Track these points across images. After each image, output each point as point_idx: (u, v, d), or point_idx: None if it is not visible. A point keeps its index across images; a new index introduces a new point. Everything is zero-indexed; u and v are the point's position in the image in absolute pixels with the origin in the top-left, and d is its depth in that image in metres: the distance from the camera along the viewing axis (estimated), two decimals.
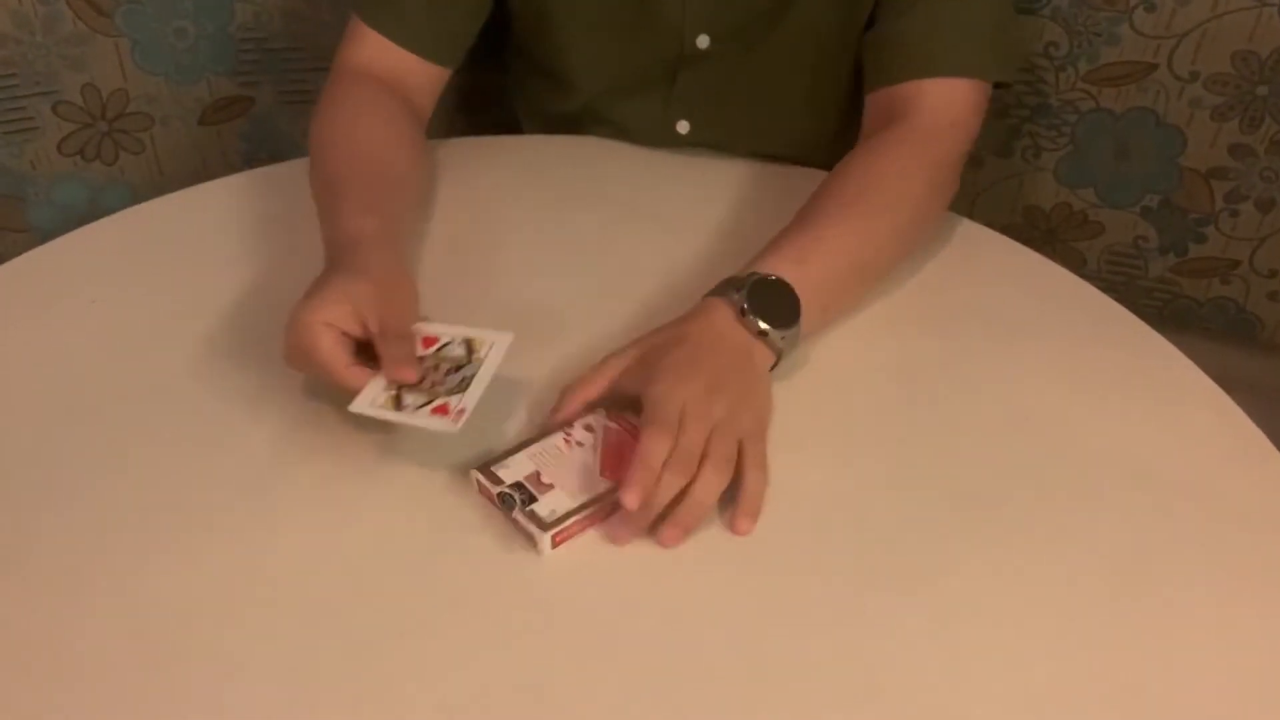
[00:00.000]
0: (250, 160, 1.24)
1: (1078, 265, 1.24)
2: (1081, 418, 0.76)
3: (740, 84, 0.96)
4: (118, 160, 1.20)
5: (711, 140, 0.99)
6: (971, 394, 0.77)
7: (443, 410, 0.67)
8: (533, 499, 0.66)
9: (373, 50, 0.93)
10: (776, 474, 0.69)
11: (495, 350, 0.71)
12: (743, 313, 0.73)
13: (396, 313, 0.71)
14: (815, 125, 1.00)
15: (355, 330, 0.69)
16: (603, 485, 0.67)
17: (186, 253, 0.91)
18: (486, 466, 0.68)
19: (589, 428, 0.71)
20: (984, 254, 0.91)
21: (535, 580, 0.64)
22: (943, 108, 0.87)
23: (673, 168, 1.00)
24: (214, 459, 0.71)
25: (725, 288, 0.75)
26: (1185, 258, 1.21)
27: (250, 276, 0.86)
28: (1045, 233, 1.23)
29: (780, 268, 0.75)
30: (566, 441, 0.70)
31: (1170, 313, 1.25)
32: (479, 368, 0.69)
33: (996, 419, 0.76)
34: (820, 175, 0.97)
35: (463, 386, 0.68)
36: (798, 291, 0.74)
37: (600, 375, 0.72)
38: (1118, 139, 1.15)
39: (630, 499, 0.64)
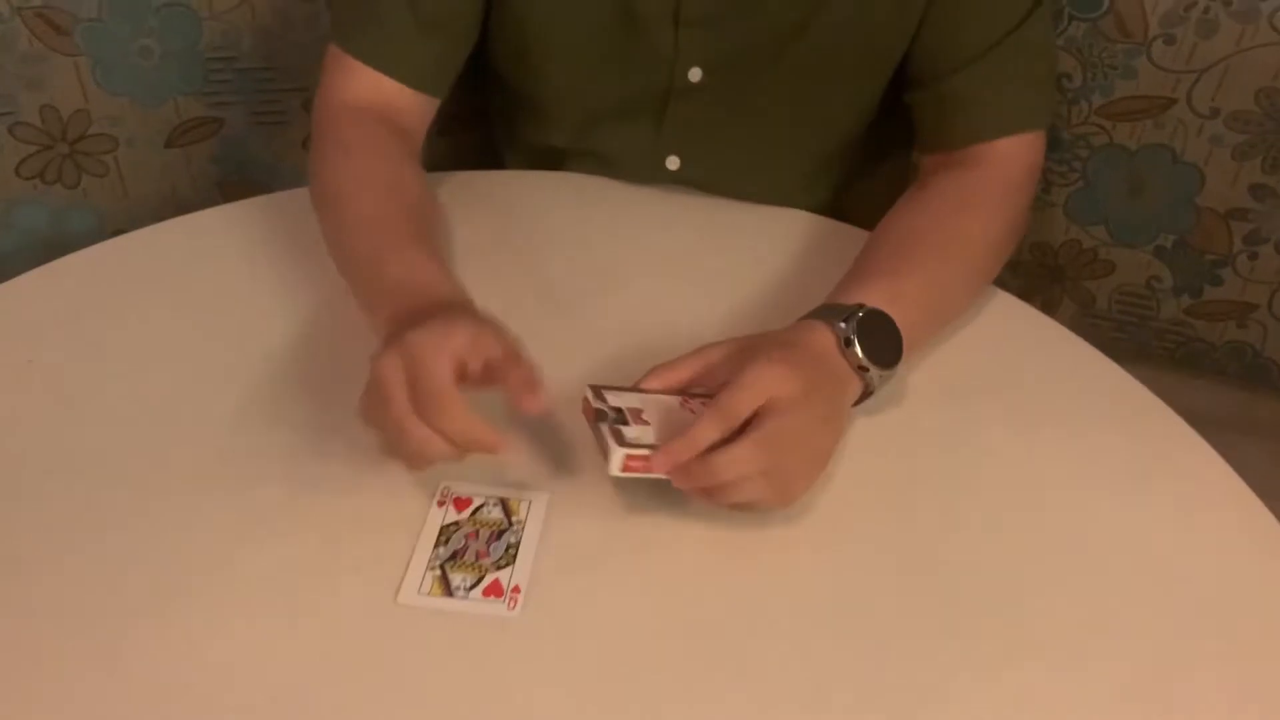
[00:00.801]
0: (221, 184, 1.19)
1: (1087, 304, 1.18)
2: (1097, 510, 0.70)
3: (735, 121, 0.90)
4: (80, 183, 1.14)
5: (702, 178, 0.93)
6: (979, 476, 0.72)
7: (495, 591, 0.62)
8: (624, 423, 0.64)
9: (361, 83, 0.87)
10: (761, 555, 0.65)
11: (534, 510, 0.67)
12: (847, 343, 0.70)
13: (507, 344, 0.66)
14: (813, 169, 0.94)
15: (476, 362, 0.63)
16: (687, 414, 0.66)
17: (136, 302, 0.85)
18: (599, 387, 0.66)
19: (707, 402, 0.66)
20: (994, 315, 0.85)
21: (501, 670, 0.59)
22: (1018, 159, 0.85)
23: (660, 208, 0.94)
24: (159, 543, 0.65)
25: (828, 314, 0.71)
26: (1200, 300, 1.15)
27: (212, 328, 0.81)
28: (1053, 270, 1.17)
29: (878, 304, 0.72)
30: (683, 404, 0.67)
31: (1183, 355, 1.19)
32: (522, 533, 0.65)
33: (1004, 506, 0.70)
34: (812, 219, 0.93)
35: (510, 557, 0.64)
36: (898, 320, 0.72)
37: (695, 357, 0.68)
38: (1132, 176, 1.09)
39: (661, 463, 0.62)
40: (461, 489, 0.67)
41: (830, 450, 0.68)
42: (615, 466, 0.62)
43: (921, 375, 0.78)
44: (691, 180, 0.93)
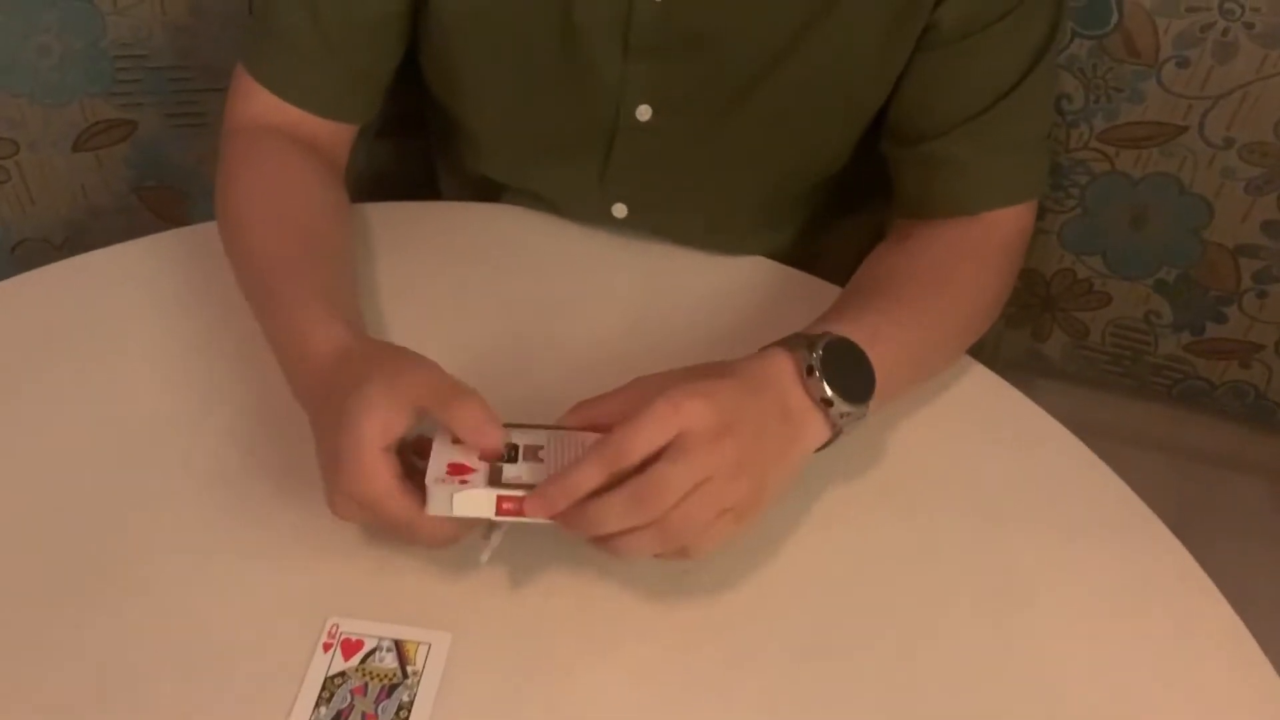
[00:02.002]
0: (137, 188, 1.08)
1: (1079, 335, 1.09)
2: (1083, 655, 0.61)
3: (687, 167, 0.79)
4: None
5: (653, 227, 0.83)
6: (945, 607, 0.63)
7: None
8: (512, 460, 0.57)
9: (266, 105, 0.77)
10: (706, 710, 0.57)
11: (433, 658, 0.57)
12: (809, 371, 0.60)
13: (429, 376, 0.59)
14: (775, 218, 0.84)
15: (408, 420, 0.57)
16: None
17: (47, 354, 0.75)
18: (511, 425, 0.59)
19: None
20: (971, 398, 0.75)
21: None
22: (1013, 223, 0.76)
23: (608, 251, 0.84)
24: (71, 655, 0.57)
25: (791, 341, 0.62)
26: (1201, 337, 1.06)
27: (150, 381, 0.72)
28: (1043, 300, 1.08)
29: (853, 338, 0.63)
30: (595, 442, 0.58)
31: (1180, 392, 1.11)
32: (416, 689, 0.56)
33: (974, 647, 0.61)
34: (772, 267, 0.84)
35: (400, 719, 0.55)
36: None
37: (627, 389, 0.59)
38: (1134, 205, 0.99)
39: (534, 507, 0.55)
40: (352, 627, 0.59)
41: (753, 499, 0.57)
42: (439, 507, 0.55)
43: (882, 475, 0.69)
44: (640, 229, 0.83)
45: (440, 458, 0.57)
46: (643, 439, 0.54)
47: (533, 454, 0.57)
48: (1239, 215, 0.97)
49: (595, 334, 0.77)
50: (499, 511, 0.55)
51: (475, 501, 0.55)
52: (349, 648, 0.58)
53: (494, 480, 0.56)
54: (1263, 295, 1.01)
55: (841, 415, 0.61)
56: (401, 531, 0.57)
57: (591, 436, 0.58)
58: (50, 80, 0.99)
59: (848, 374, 0.61)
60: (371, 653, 0.58)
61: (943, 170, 0.74)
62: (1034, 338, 1.12)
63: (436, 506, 0.55)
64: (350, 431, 0.55)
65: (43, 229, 1.08)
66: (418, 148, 1.02)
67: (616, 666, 0.59)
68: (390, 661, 0.58)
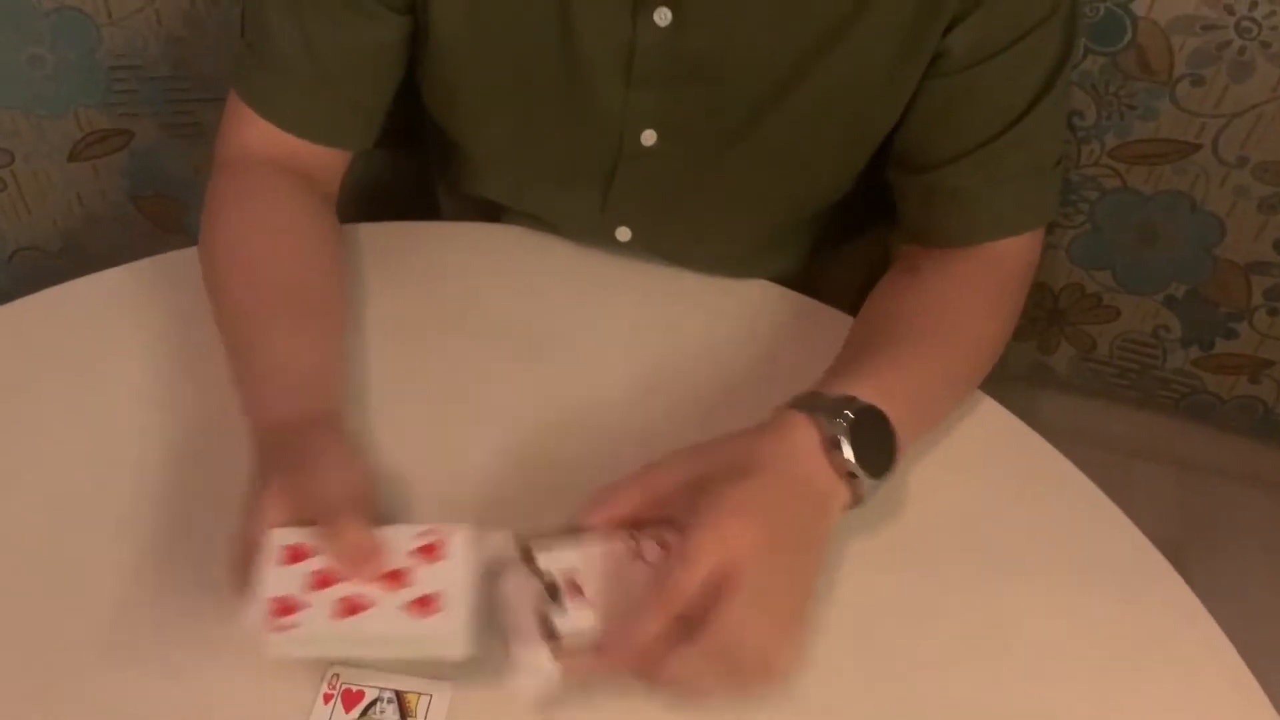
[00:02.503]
0: (134, 198, 1.07)
1: (1087, 349, 1.09)
2: (1091, 709, 0.60)
3: (693, 192, 0.78)
4: None
5: (658, 251, 0.82)
6: (947, 669, 0.61)
7: None
8: (556, 598, 0.55)
9: (260, 132, 0.75)
10: None
11: (435, 710, 0.56)
12: (833, 443, 0.59)
13: (328, 487, 0.57)
14: (780, 241, 0.83)
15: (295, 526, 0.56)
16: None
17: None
18: (528, 543, 0.56)
19: (664, 544, 0.57)
20: (980, 437, 0.73)
21: None
22: (1021, 254, 0.74)
23: (612, 273, 0.83)
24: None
25: (812, 407, 0.60)
26: (1210, 352, 1.05)
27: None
28: (1051, 313, 1.07)
29: (870, 398, 0.61)
30: (631, 551, 0.57)
31: (1187, 405, 1.10)
32: None
33: (983, 702, 0.60)
34: (777, 291, 0.83)
35: None
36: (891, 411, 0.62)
37: (640, 484, 0.58)
38: (1144, 222, 0.98)
39: (603, 666, 0.54)
40: (352, 677, 0.58)
41: (807, 594, 0.58)
42: (543, 667, 0.53)
43: (882, 524, 0.68)
44: (644, 252, 0.82)
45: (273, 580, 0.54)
46: (697, 578, 0.53)
47: (574, 588, 0.55)
48: (1252, 233, 0.96)
49: (597, 359, 0.76)
50: (561, 668, 0.54)
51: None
52: (349, 699, 0.57)
53: (547, 633, 0.54)
54: (1274, 312, 1.00)
55: (866, 488, 0.61)
56: None
57: (621, 545, 0.57)
58: (45, 91, 0.98)
59: (871, 446, 0.60)
60: (373, 704, 0.57)
61: (950, 200, 0.73)
62: (1041, 350, 1.11)
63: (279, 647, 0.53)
64: (246, 519, 0.57)
65: (39, 238, 1.07)
66: (415, 160, 1.01)
67: (619, 717, 0.58)
68: (391, 714, 0.57)
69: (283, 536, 0.55)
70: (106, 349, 0.75)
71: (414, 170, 1.01)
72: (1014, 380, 0.80)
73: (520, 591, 0.55)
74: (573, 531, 0.57)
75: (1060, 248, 1.02)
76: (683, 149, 0.75)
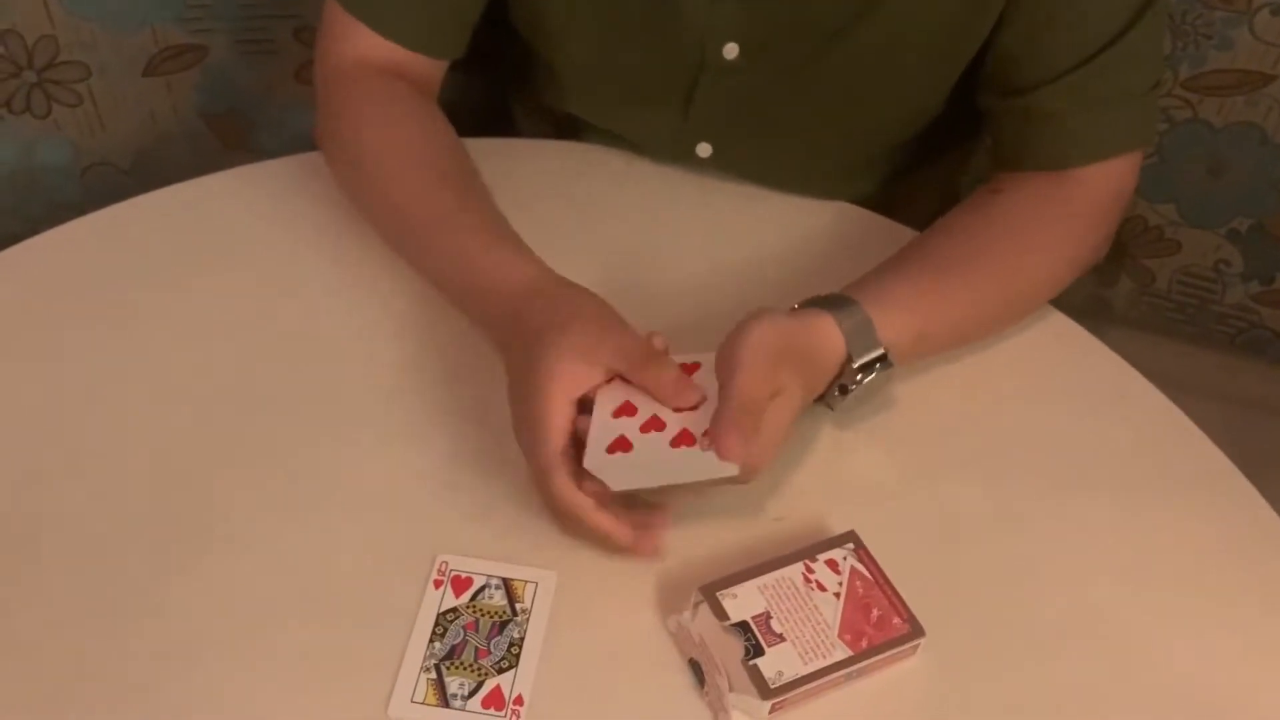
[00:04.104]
0: (205, 114, 1.08)
1: (1145, 282, 1.09)
2: (1170, 623, 0.62)
3: (773, 108, 0.79)
4: (51, 113, 1.03)
5: (737, 167, 0.83)
6: (1018, 576, 0.63)
7: (495, 701, 0.55)
8: (759, 650, 0.55)
9: (365, 42, 0.77)
10: None
11: (540, 596, 0.59)
12: (849, 358, 0.64)
13: (627, 338, 0.61)
14: (861, 162, 0.84)
15: (599, 381, 0.60)
16: (838, 651, 0.55)
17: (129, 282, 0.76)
18: (713, 590, 0.57)
19: (833, 564, 0.59)
20: (1055, 355, 0.75)
21: None
22: (1111, 182, 0.74)
23: (693, 192, 0.84)
24: (119, 635, 0.58)
25: (851, 336, 0.65)
26: (1270, 287, 1.06)
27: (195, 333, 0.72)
28: (1113, 245, 1.07)
29: (891, 318, 0.66)
30: (806, 579, 0.58)
31: (1244, 341, 1.11)
32: (526, 626, 0.58)
33: (1046, 617, 0.61)
34: (857, 213, 0.84)
35: (513, 658, 0.57)
36: (898, 338, 0.65)
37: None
38: (1212, 154, 0.98)
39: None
40: (461, 564, 0.61)
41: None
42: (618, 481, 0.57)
43: (958, 437, 0.69)
44: (724, 169, 0.83)
45: (604, 431, 0.58)
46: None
47: (765, 625, 0.56)
48: None
49: (677, 276, 0.78)
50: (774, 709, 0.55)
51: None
52: (459, 585, 0.60)
53: (757, 683, 0.54)
54: None
55: (837, 401, 0.65)
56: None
57: (793, 569, 0.58)
58: (119, 6, 0.98)
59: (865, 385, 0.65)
60: (481, 590, 0.60)
61: (1041, 124, 0.73)
62: (1099, 284, 1.12)
63: (615, 480, 0.57)
64: (544, 380, 0.59)
65: (111, 153, 1.08)
66: (485, 82, 1.01)
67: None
68: (499, 599, 0.59)
69: (607, 398, 0.60)
70: (182, 261, 0.76)
71: (484, 93, 1.02)
72: (1070, 313, 0.81)
73: (719, 644, 0.56)
74: (747, 570, 0.58)
75: None
76: (765, 63, 0.76)
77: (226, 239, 0.78)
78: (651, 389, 0.59)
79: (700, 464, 0.57)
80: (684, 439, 0.58)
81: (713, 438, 0.56)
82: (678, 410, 0.59)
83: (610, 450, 0.58)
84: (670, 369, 0.60)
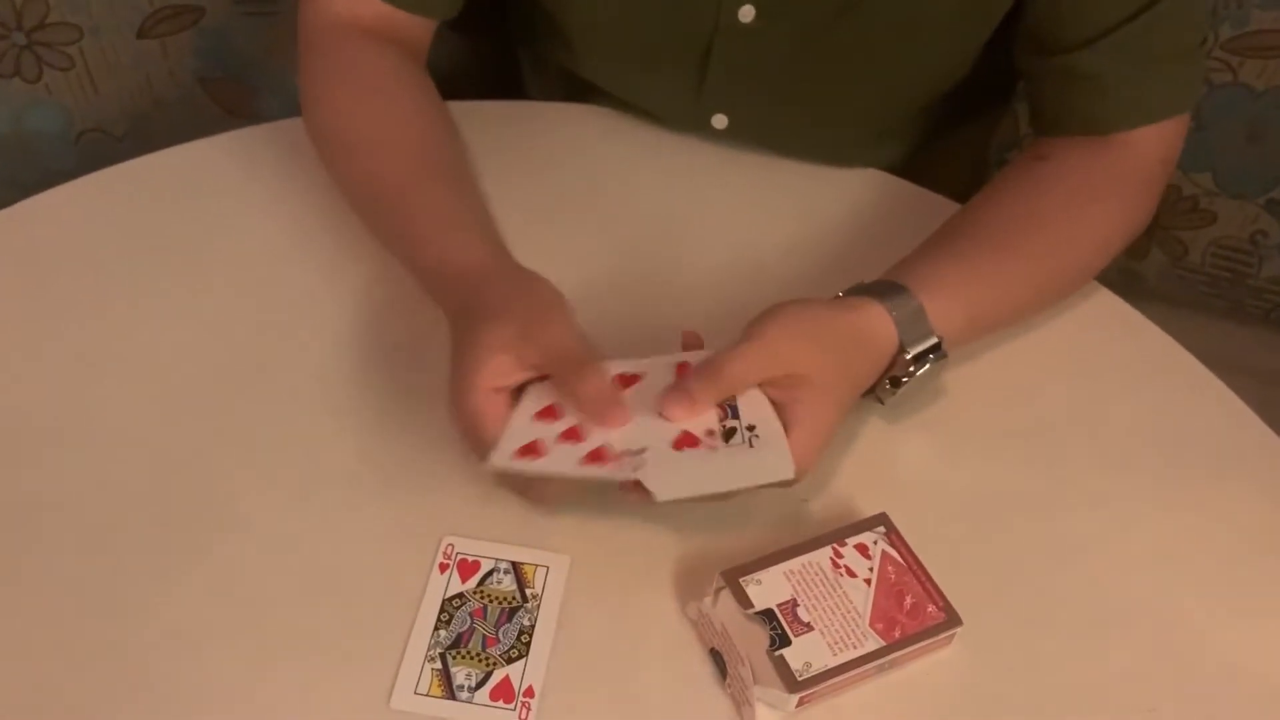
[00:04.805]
0: (203, 79, 1.04)
1: (1178, 255, 1.05)
2: (1211, 628, 0.58)
3: (793, 74, 0.74)
4: (42, 77, 1.00)
5: (757, 139, 0.79)
6: (1059, 561, 0.60)
7: (504, 693, 0.52)
8: (785, 640, 0.52)
9: (348, 3, 0.73)
10: None
11: (552, 581, 0.56)
12: (901, 348, 0.61)
13: (562, 335, 0.56)
14: (885, 129, 0.79)
15: (526, 377, 0.56)
16: (870, 641, 0.52)
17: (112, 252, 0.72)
18: (736, 576, 0.53)
19: (863, 549, 0.56)
20: (1096, 330, 0.71)
21: None
22: (1158, 147, 0.70)
23: (711, 159, 0.80)
24: (117, 625, 0.56)
25: (903, 325, 0.61)
26: None
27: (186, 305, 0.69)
28: None
29: (943, 304, 0.62)
30: (834, 564, 0.55)
31: (1279, 316, 1.07)
32: (537, 613, 0.54)
33: (1090, 605, 0.58)
34: (883, 179, 0.80)
35: (523, 647, 0.53)
36: (950, 324, 0.62)
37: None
38: (1253, 120, 0.94)
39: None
40: (468, 547, 0.57)
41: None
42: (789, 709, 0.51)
43: (1001, 411, 0.66)
44: (744, 142, 0.79)
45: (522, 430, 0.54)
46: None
47: (791, 613, 0.53)
48: None
49: (697, 249, 0.74)
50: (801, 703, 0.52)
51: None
52: (465, 569, 0.57)
53: (784, 675, 0.50)
54: None
55: (889, 392, 0.61)
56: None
57: (821, 554, 0.54)
58: None
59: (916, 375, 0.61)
60: (489, 574, 0.56)
61: (1085, 86, 0.69)
62: (1129, 256, 1.08)
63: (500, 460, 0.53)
64: (468, 368, 0.55)
65: (105, 119, 1.05)
66: (493, 43, 0.97)
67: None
68: (509, 584, 0.56)
69: (534, 398, 0.55)
70: (178, 230, 0.73)
71: (493, 56, 0.98)
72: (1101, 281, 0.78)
73: (743, 633, 0.52)
74: (772, 555, 0.55)
75: None
76: (782, 26, 0.72)
77: (224, 206, 0.74)
78: (572, 399, 0.54)
79: (602, 472, 0.52)
80: (596, 457, 0.53)
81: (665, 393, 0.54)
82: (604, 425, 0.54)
83: (519, 454, 0.53)
84: (595, 382, 0.54)
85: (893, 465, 0.63)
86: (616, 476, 0.52)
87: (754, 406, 0.55)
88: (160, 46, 1.01)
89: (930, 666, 0.54)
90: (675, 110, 0.79)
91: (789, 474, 0.53)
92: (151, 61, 1.01)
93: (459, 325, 0.58)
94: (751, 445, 0.53)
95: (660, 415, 0.54)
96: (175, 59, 1.02)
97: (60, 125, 1.03)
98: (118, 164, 0.76)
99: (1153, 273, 1.08)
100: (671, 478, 0.52)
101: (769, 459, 0.53)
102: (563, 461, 0.53)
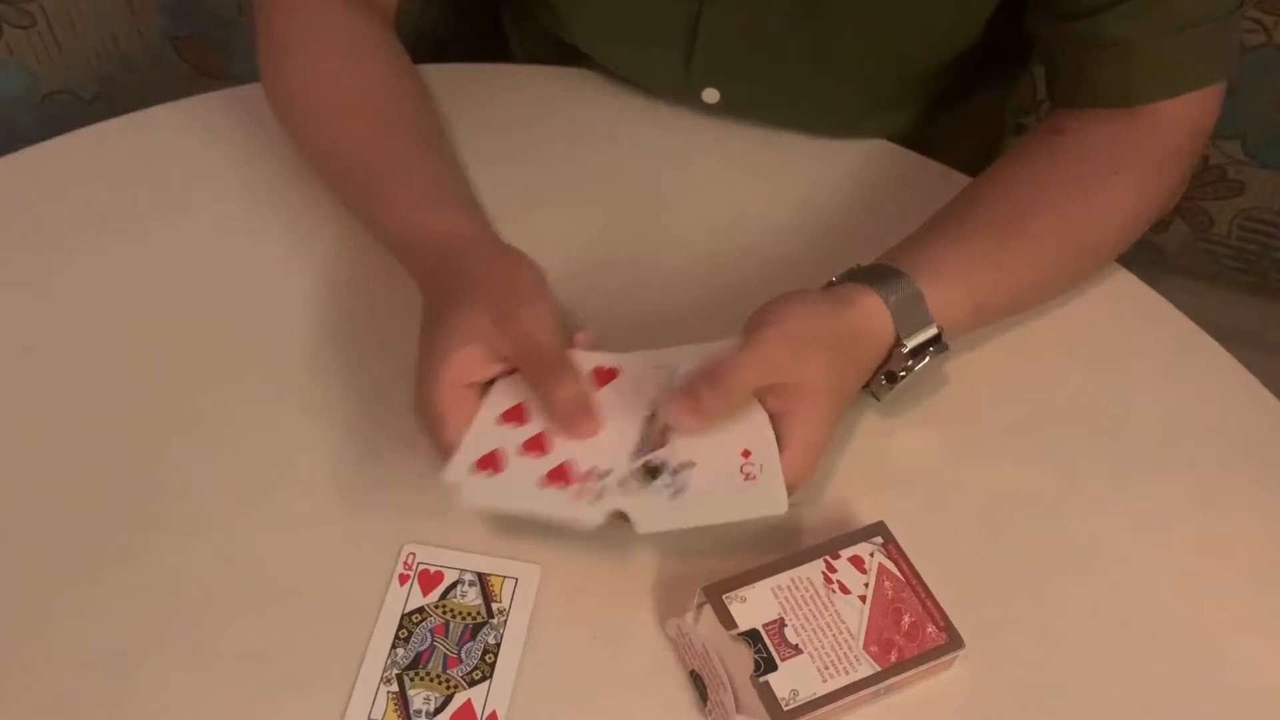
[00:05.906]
0: (173, 39, 0.99)
1: (1202, 227, 1.00)
2: (1240, 642, 0.53)
3: (787, 47, 0.68)
4: (1, 35, 0.95)
5: (750, 114, 0.73)
6: (1073, 571, 0.55)
7: (466, 719, 0.48)
8: (771, 664, 0.48)
9: None
10: None
11: (520, 594, 0.51)
12: (898, 340, 0.56)
13: (538, 328, 0.52)
14: (887, 100, 0.74)
15: (497, 371, 0.53)
16: (863, 666, 0.48)
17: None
18: (719, 592, 0.49)
19: (858, 562, 0.51)
20: (1112, 314, 0.66)
21: None
22: (1185, 120, 0.64)
23: (705, 127, 0.75)
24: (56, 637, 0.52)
25: (900, 314, 0.56)
26: None
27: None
28: None
29: (945, 291, 0.57)
30: (827, 579, 0.51)
31: None
32: (503, 631, 0.50)
33: (1107, 621, 0.53)
34: (888, 149, 0.74)
35: (487, 668, 0.49)
36: (952, 312, 0.57)
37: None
38: None
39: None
40: (431, 556, 0.53)
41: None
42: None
43: (1013, 406, 0.61)
44: (735, 117, 0.73)
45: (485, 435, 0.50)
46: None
47: (778, 634, 0.49)
48: None
49: (688, 225, 0.69)
50: None
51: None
52: (427, 580, 0.52)
53: (769, 704, 0.46)
54: None
55: (883, 386, 0.57)
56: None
57: (812, 568, 0.50)
58: None
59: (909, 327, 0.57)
60: (453, 587, 0.52)
61: (1106, 53, 0.63)
62: (1151, 230, 1.02)
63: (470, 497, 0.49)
64: (435, 359, 0.51)
65: (72, 81, 0.99)
66: (475, 8, 0.92)
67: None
68: (474, 597, 0.52)
69: (502, 395, 0.52)
70: (138, 199, 0.68)
71: (477, 12, 0.92)
72: (1118, 260, 0.73)
73: (725, 655, 0.48)
74: (758, 569, 0.50)
75: None
76: None
77: (188, 174, 0.69)
78: (543, 404, 0.51)
79: (565, 510, 0.48)
80: (559, 476, 0.49)
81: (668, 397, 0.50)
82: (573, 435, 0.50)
83: (478, 466, 0.49)
84: (570, 388, 0.50)
85: (891, 465, 0.58)
86: (582, 521, 0.48)
87: (755, 434, 0.51)
88: (127, 4, 0.96)
89: (931, 690, 0.50)
90: (664, 83, 0.73)
91: (782, 510, 0.48)
92: (117, 19, 0.96)
93: (431, 303, 0.55)
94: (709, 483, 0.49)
95: (667, 422, 0.50)
96: (142, 17, 0.97)
97: (22, 87, 0.98)
98: (76, 130, 0.71)
99: (1175, 245, 1.02)
100: (656, 512, 0.48)
101: (764, 496, 0.49)
102: (523, 482, 0.49)
